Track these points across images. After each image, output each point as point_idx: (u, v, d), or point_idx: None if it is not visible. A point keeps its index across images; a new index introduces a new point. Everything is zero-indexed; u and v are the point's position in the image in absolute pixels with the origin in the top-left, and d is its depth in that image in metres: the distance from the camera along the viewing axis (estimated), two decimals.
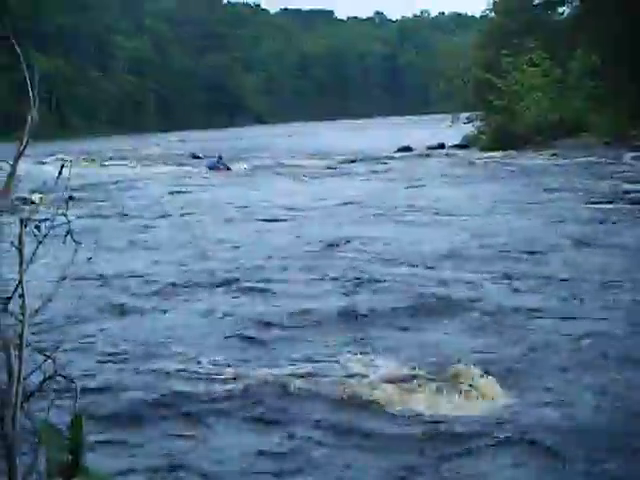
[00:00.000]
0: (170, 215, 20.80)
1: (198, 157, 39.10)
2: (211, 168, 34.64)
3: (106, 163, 41.85)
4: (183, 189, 27.28)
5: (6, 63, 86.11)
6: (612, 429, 6.48)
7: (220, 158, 35.75)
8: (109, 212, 21.44)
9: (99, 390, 6.98)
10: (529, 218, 17.55)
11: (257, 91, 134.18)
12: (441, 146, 44.42)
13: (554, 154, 34.07)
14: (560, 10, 48.29)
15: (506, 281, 11.50)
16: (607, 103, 38.07)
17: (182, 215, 20.58)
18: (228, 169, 34.70)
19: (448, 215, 18.44)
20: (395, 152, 42.38)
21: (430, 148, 43.77)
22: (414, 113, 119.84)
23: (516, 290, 11.00)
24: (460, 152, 40.70)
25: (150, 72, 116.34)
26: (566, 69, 39.69)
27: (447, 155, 39.18)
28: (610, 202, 19.53)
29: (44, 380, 1.82)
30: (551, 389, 7.33)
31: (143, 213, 21.26)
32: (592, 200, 20.10)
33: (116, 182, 30.24)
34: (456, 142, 44.46)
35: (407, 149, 43.66)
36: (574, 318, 9.53)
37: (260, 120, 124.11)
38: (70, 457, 1.28)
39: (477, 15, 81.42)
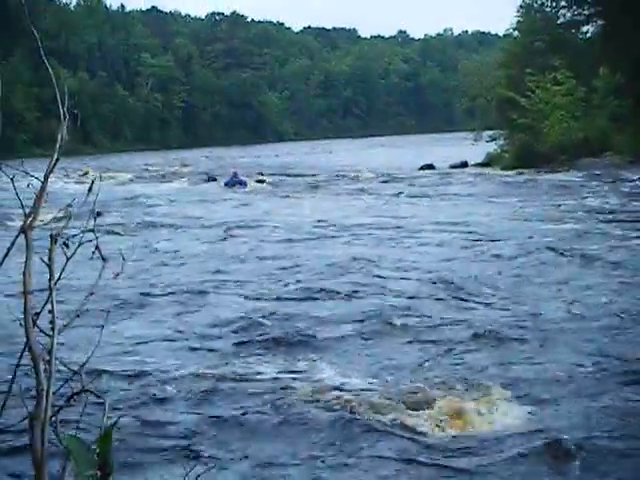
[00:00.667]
0: (187, 230, 20.97)
1: (214, 179, 39.32)
2: (227, 185, 35.72)
3: (127, 179, 41.98)
4: (201, 205, 27.60)
5: (32, 80, 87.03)
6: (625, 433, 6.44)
7: (235, 175, 36.81)
8: (130, 228, 21.56)
9: (126, 407, 7.00)
10: (549, 238, 17.46)
11: (281, 109, 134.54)
12: (464, 165, 44.24)
13: (578, 173, 33.91)
14: (584, 29, 48.15)
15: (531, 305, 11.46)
16: (631, 122, 37.90)
17: (201, 228, 20.69)
18: (244, 185, 35.57)
19: (474, 236, 18.38)
20: (418, 170, 42.35)
21: (453, 167, 43.62)
22: (437, 131, 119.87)
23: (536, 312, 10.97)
24: (483, 171, 40.54)
25: (175, 89, 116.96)
26: (590, 88, 39.53)
27: (469, 174, 39.03)
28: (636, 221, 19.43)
29: (72, 395, 1.83)
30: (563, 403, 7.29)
31: (160, 229, 21.47)
32: (616, 219, 20.01)
33: (134, 198, 30.53)
34: (479, 161, 44.31)
35: (430, 167, 43.60)
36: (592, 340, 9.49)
37: (284, 138, 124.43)
38: (99, 472, 1.28)
39: (500, 33, 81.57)
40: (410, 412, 7.24)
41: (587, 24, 47.64)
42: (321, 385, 7.97)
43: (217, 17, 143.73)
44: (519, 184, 31.79)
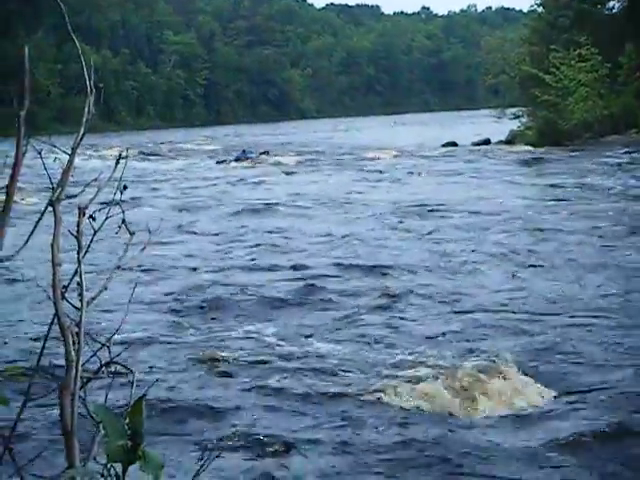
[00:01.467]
0: (201, 204, 21.12)
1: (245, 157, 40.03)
2: (237, 160, 38.15)
3: (144, 156, 42.62)
4: (212, 179, 27.97)
5: (56, 57, 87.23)
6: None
7: (244, 152, 39.59)
8: (150, 203, 21.72)
9: (153, 378, 7.07)
10: (573, 219, 17.35)
11: (303, 86, 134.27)
12: (486, 142, 44.03)
13: (602, 151, 33.62)
14: (610, 4, 47.58)
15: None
16: None
17: (231, 206, 20.74)
18: (251, 160, 37.83)
19: (497, 216, 18.30)
20: (440, 147, 42.20)
21: (475, 144, 43.44)
22: (460, 108, 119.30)
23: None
24: (506, 148, 40.30)
25: (198, 67, 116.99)
26: (616, 64, 39.13)
27: (492, 151, 38.80)
28: None
29: (101, 367, 1.84)
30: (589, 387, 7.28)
31: (173, 203, 21.67)
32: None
33: (153, 174, 30.97)
34: (502, 138, 44.06)
35: (452, 144, 43.45)
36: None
37: (306, 115, 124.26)
38: (129, 442, 1.29)
39: (524, 10, 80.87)
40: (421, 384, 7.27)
41: None
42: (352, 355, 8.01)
43: None
44: (542, 162, 31.52)
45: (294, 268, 12.52)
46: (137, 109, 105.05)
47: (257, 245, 14.92)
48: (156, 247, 13.20)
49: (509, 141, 43.39)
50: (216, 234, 16.59)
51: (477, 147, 42.03)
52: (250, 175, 30.73)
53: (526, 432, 6.44)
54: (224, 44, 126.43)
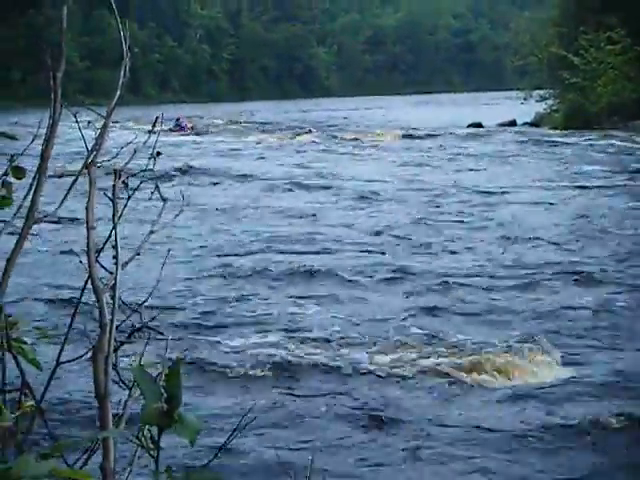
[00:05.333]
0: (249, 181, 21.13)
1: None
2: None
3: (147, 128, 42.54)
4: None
5: (82, 29, 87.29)
6: None
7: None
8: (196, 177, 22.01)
9: (186, 344, 7.17)
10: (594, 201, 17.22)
11: (329, 64, 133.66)
12: (512, 123, 43.77)
13: (630, 135, 33.27)
14: None
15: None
16: None
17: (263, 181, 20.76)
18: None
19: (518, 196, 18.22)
20: (466, 128, 41.95)
21: (501, 125, 43.19)
22: (486, 89, 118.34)
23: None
24: (531, 130, 40.03)
25: (223, 42, 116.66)
26: None
27: (517, 133, 38.53)
28: None
29: (134, 331, 1.83)
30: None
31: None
32: None
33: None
34: (528, 120, 43.76)
35: (478, 125, 43.19)
36: None
37: (330, 93, 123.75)
38: (165, 405, 1.28)
39: None
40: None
41: None
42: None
43: None
44: (567, 145, 31.25)
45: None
46: (162, 83, 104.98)
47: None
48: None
49: (535, 123, 43.12)
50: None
51: (502, 128, 41.77)
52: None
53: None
54: (250, 19, 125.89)
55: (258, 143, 34.86)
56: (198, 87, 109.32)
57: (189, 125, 43.57)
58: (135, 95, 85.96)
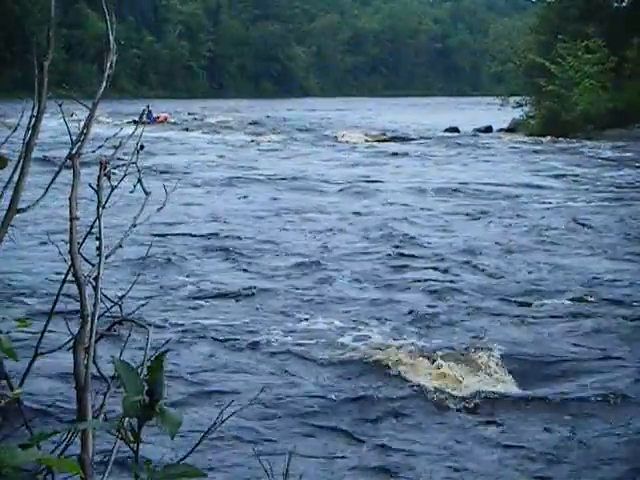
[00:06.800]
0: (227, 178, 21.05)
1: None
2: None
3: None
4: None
5: (61, 21, 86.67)
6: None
7: (146, 112, 41.90)
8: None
9: (167, 338, 7.16)
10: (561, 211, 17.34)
11: (307, 64, 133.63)
12: (488, 129, 43.99)
13: (604, 143, 33.55)
14: None
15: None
16: None
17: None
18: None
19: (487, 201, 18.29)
20: (442, 132, 42.08)
21: (477, 131, 43.39)
22: (463, 94, 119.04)
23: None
24: (507, 136, 40.22)
25: (202, 38, 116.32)
26: (622, 58, 38.95)
27: (493, 138, 38.72)
28: None
29: (114, 323, 1.83)
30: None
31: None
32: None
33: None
34: (504, 126, 43.98)
35: (454, 130, 43.33)
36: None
37: (309, 93, 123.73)
38: (147, 398, 1.28)
39: None
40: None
41: None
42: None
43: None
44: (542, 152, 31.41)
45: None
46: (139, 77, 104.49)
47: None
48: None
49: (511, 129, 43.33)
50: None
51: (478, 134, 41.94)
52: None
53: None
54: (230, 17, 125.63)
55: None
56: (175, 83, 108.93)
57: (161, 117, 44.61)
58: (111, 89, 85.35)
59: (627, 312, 9.23)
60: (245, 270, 10.81)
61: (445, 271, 11.09)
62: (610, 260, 12.03)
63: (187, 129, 41.80)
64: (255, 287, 9.94)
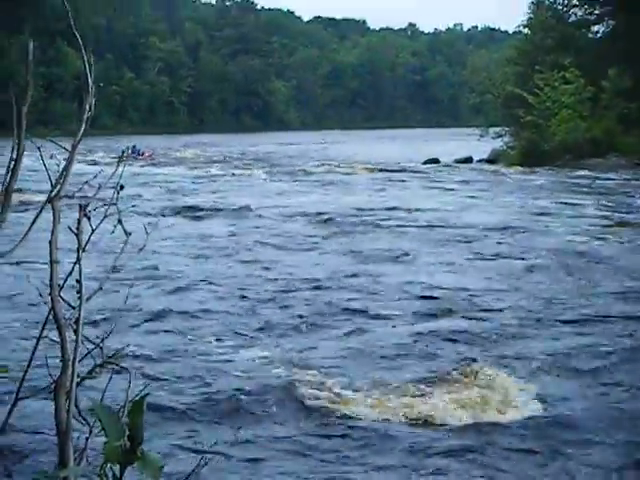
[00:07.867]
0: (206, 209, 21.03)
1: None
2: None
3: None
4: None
5: (40, 59, 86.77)
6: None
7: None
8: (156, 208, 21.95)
9: (150, 380, 7.09)
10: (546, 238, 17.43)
11: (287, 98, 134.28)
12: (468, 160, 44.24)
13: (582, 173, 33.81)
14: (595, 28, 48.03)
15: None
16: (638, 124, 37.84)
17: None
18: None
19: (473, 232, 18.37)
20: (422, 164, 42.22)
21: (457, 161, 43.63)
22: (443, 126, 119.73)
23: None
24: (487, 167, 40.48)
25: (182, 74, 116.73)
26: (599, 88, 39.39)
27: (473, 169, 38.93)
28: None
29: (95, 366, 1.82)
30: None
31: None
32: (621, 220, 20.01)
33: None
34: (484, 157, 44.26)
35: (434, 161, 43.51)
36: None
37: (289, 127, 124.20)
38: (128, 443, 1.27)
39: (510, 30, 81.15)
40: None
41: (598, 24, 47.55)
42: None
43: (227, 3, 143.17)
44: (521, 181, 31.65)
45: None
46: (119, 114, 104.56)
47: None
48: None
49: (491, 160, 43.60)
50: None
51: (458, 165, 42.14)
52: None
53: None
54: (210, 52, 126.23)
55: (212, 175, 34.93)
56: (156, 119, 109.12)
57: (147, 154, 45.46)
58: (92, 126, 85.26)
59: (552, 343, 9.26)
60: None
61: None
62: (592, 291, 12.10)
63: (164, 164, 42.05)
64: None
